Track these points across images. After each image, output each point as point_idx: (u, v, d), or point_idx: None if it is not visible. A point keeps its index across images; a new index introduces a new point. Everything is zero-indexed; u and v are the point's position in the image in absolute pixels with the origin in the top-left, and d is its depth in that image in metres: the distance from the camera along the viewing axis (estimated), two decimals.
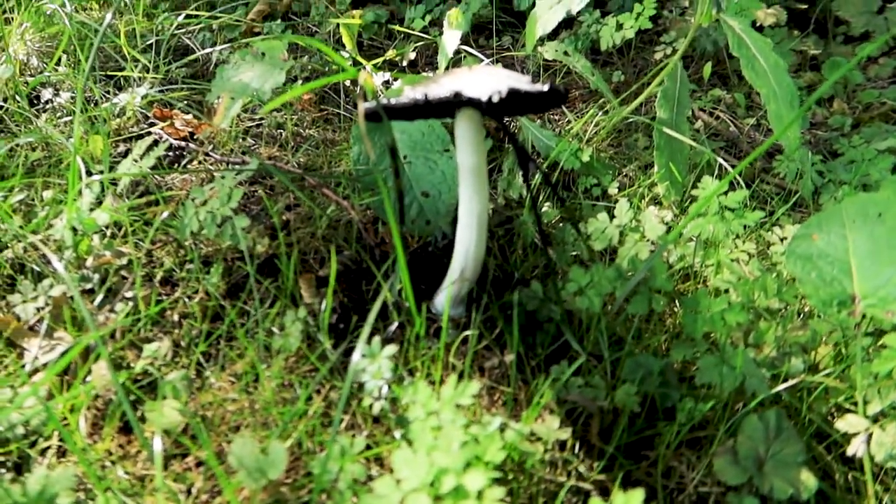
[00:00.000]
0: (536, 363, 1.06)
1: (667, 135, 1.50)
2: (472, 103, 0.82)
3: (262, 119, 1.93)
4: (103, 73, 2.11)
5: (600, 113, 1.90)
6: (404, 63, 2.28)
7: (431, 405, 0.77)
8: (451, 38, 1.97)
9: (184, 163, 1.65)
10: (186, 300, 1.17)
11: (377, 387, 0.91)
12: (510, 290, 1.19)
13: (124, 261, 1.22)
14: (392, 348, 0.90)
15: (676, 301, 1.21)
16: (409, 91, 0.93)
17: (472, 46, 2.31)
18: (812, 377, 0.95)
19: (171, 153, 1.71)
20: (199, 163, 1.64)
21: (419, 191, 1.40)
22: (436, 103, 0.85)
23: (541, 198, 1.56)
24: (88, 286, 1.15)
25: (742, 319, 0.96)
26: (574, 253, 1.24)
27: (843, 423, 0.87)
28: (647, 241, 1.17)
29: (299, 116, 1.96)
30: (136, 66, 2.00)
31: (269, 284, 1.21)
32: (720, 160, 1.46)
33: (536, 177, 1.54)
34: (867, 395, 0.90)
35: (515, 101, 0.86)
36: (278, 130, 1.87)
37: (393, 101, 0.88)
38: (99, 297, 1.15)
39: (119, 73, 2.03)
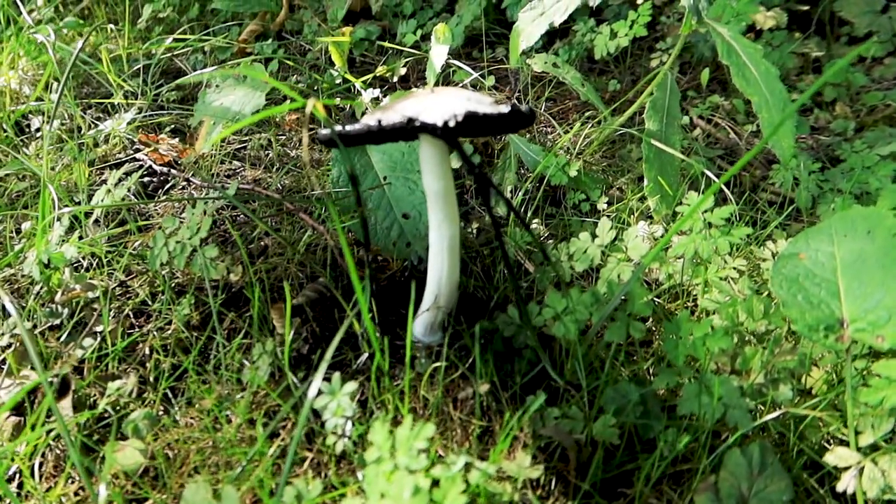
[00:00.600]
0: (512, 393, 1.02)
1: (656, 147, 1.45)
2: (427, 129, 0.79)
3: (248, 140, 1.91)
4: (95, 99, 2.11)
5: (592, 124, 1.85)
6: (395, 79, 2.26)
7: (387, 448, 0.73)
8: (438, 54, 1.94)
9: (166, 188, 1.63)
10: (156, 333, 1.14)
11: (339, 424, 0.87)
12: (488, 316, 1.15)
13: (96, 293, 1.20)
14: (352, 385, 0.87)
15: (663, 323, 1.16)
16: (365, 118, 0.90)
17: (463, 60, 2.28)
18: (801, 406, 0.90)
19: (154, 179, 1.69)
20: (182, 188, 1.62)
21: (399, 212, 1.37)
22: (391, 130, 0.81)
23: (528, 215, 1.52)
24: (56, 321, 1.13)
25: (726, 345, 0.91)
26: (553, 274, 1.19)
27: (833, 457, 0.82)
28: (631, 261, 1.13)
29: (287, 136, 1.94)
30: (123, 92, 2.00)
31: (242, 314, 1.18)
32: (708, 173, 1.40)
33: (519, 195, 1.50)
34: (859, 426, 0.84)
35: (475, 125, 0.83)
36: (265, 152, 1.85)
37: (348, 128, 0.85)
38: (68, 332, 1.13)
39: (106, 101, 2.02)
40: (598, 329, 0.99)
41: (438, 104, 0.86)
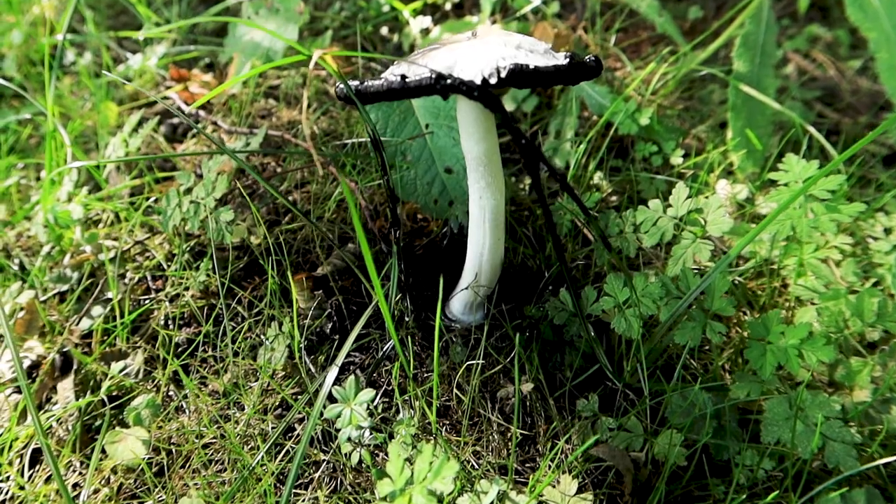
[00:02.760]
0: (561, 393, 0.88)
1: (745, 93, 1.22)
2: (461, 89, 0.62)
3: (286, 75, 1.76)
4: (129, 30, 1.98)
5: (669, 61, 1.61)
6: (448, 6, 2.04)
7: (401, 482, 0.61)
8: None
9: (194, 132, 1.51)
10: (168, 304, 1.04)
11: (355, 434, 0.75)
12: (537, 295, 1.00)
13: (111, 254, 1.10)
14: (368, 394, 0.74)
15: (744, 311, 0.99)
16: (390, 70, 0.73)
17: None
18: None
19: (185, 122, 1.57)
20: (213, 130, 1.50)
21: (442, 166, 1.20)
22: (416, 87, 0.65)
23: (591, 166, 1.33)
24: (65, 287, 1.04)
25: (827, 357, 0.73)
26: (618, 249, 1.02)
27: None
28: (710, 239, 0.94)
29: (326, 72, 1.77)
30: (155, 22, 1.86)
31: (266, 280, 1.07)
32: (812, 130, 1.17)
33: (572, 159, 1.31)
34: None
35: (522, 80, 0.65)
36: (302, 89, 1.70)
37: (367, 83, 0.69)
38: (76, 299, 1.05)
39: (135, 33, 1.89)
40: (668, 325, 0.82)
41: (478, 53, 0.68)
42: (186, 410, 0.90)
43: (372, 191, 1.22)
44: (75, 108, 1.62)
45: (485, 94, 0.63)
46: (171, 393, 0.93)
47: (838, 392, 0.80)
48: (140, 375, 0.93)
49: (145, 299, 1.07)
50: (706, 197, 0.96)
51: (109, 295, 1.06)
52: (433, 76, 0.63)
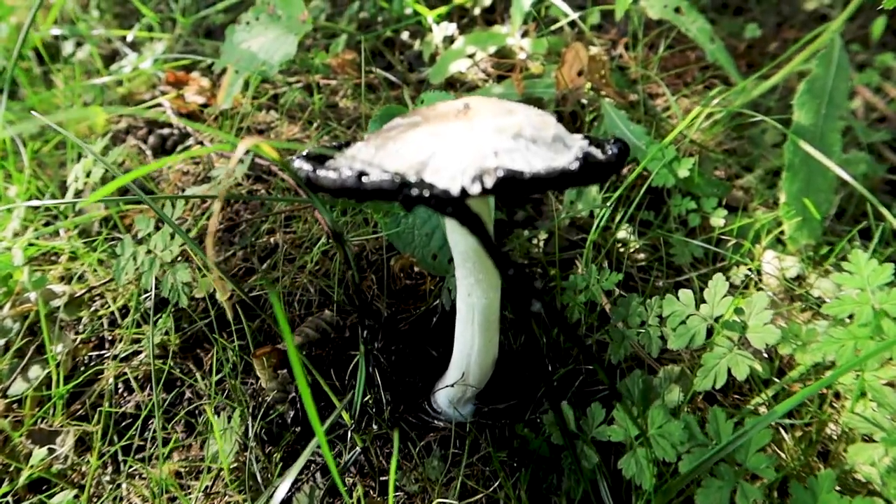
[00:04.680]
0: None
1: (804, 152, 1.04)
2: (430, 202, 0.47)
3: (295, 81, 1.61)
4: (132, 23, 1.85)
5: (718, 88, 1.42)
6: (477, 11, 1.86)
7: None
8: None
9: (182, 147, 1.38)
10: (118, 364, 0.91)
11: None
12: (534, 405, 0.84)
13: (62, 301, 0.98)
14: None
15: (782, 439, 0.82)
16: (352, 151, 0.58)
17: None
18: None
19: (176, 132, 1.44)
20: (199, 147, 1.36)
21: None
22: (374, 192, 0.49)
23: (617, 218, 1.16)
24: (2, 341, 0.92)
25: None
26: (639, 340, 0.86)
27: None
28: (750, 350, 0.77)
29: (338, 81, 1.62)
30: (155, 20, 1.73)
31: (229, 346, 0.93)
32: (886, 213, 0.97)
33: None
34: None
35: (516, 190, 0.50)
36: (311, 98, 1.55)
37: (320, 173, 0.53)
38: (11, 357, 0.92)
39: (124, 32, 1.76)
40: (688, 479, 0.66)
41: (462, 143, 0.52)
42: None
43: (364, 242, 1.07)
44: (77, 102, 1.50)
45: (461, 211, 0.48)
46: (106, 479, 0.81)
47: None
48: (68, 461, 0.81)
49: (96, 356, 0.95)
50: (751, 281, 0.79)
51: (58, 348, 0.93)
52: (395, 182, 0.48)
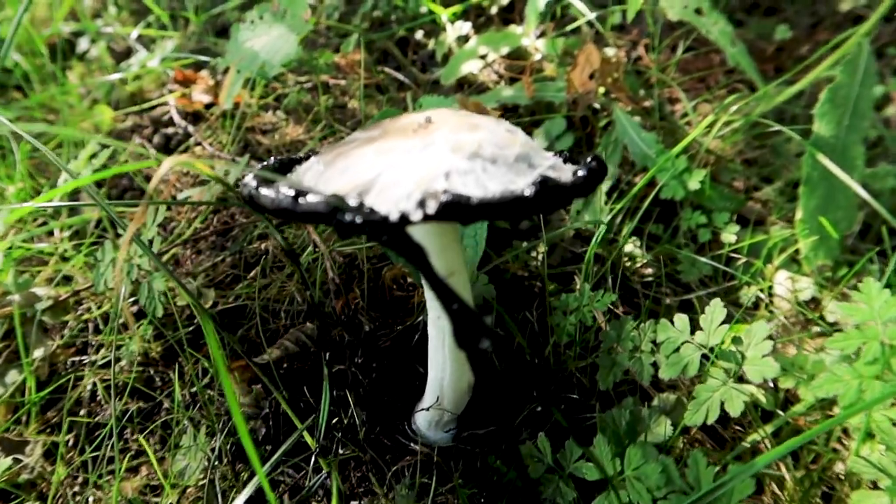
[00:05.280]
0: None
1: (823, 167, 0.97)
2: (364, 230, 0.43)
3: (307, 81, 1.58)
4: (148, 24, 1.85)
5: (740, 93, 1.34)
6: (494, 10, 1.81)
7: None
8: None
9: (180, 149, 1.36)
10: (97, 372, 0.89)
11: None
12: (512, 432, 0.80)
13: (44, 304, 0.97)
14: None
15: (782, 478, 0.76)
16: (301, 171, 0.55)
17: None
18: None
19: (180, 131, 1.43)
20: (200, 149, 1.34)
21: None
22: (309, 215, 0.46)
23: (625, 231, 1.10)
24: None
25: None
26: (633, 364, 0.80)
27: None
28: (747, 385, 0.72)
29: (347, 82, 1.59)
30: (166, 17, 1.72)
31: (202, 359, 0.91)
32: None
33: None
34: None
35: (464, 216, 0.45)
36: (318, 99, 1.52)
37: (262, 192, 0.50)
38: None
39: (128, 30, 1.75)
40: None
41: (412, 164, 0.48)
42: None
43: (356, 252, 1.04)
44: (78, 103, 1.50)
45: (398, 240, 0.44)
46: (71, 492, 0.79)
47: None
48: (35, 472, 0.79)
49: (76, 363, 0.93)
50: (761, 303, 0.73)
51: (37, 353, 0.92)
52: (329, 206, 0.44)
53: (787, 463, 0.78)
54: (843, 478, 0.78)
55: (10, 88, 1.60)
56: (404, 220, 0.44)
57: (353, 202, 0.45)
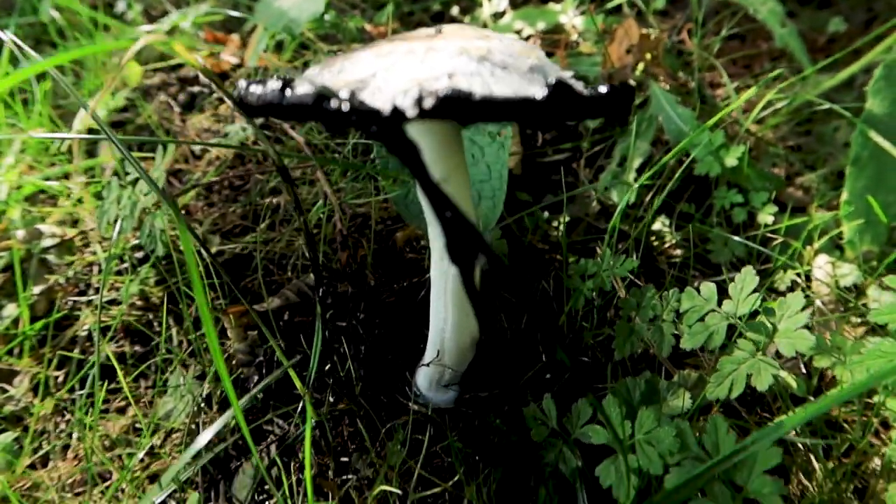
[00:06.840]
0: None
1: (875, 144, 0.90)
2: (351, 119, 0.39)
3: (337, 49, 1.55)
4: None
5: (782, 84, 1.27)
6: None
7: None
8: None
9: (199, 105, 1.34)
10: (95, 312, 0.87)
11: None
12: (520, 390, 0.75)
13: (49, 241, 0.95)
14: None
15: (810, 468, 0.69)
16: (308, 73, 0.51)
17: None
18: None
19: (205, 89, 1.41)
20: (216, 107, 1.32)
21: None
22: (294, 108, 0.42)
23: (652, 206, 1.04)
24: None
25: None
26: (652, 333, 0.74)
27: None
28: (777, 359, 0.65)
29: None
30: None
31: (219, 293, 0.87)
32: None
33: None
34: None
35: (463, 113, 0.41)
36: None
37: (251, 90, 0.46)
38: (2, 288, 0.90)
39: None
40: (675, 497, 0.55)
41: (413, 64, 0.44)
42: (54, 461, 0.72)
43: (364, 206, 1.00)
44: (109, 60, 1.49)
45: (388, 132, 0.39)
46: (57, 424, 0.76)
47: None
48: (21, 404, 0.77)
49: (75, 302, 0.91)
50: (798, 287, 0.67)
51: (36, 289, 0.90)
52: (314, 96, 0.40)
53: (816, 451, 0.71)
54: (878, 473, 0.71)
55: (45, 44, 1.61)
56: (398, 114, 0.39)
57: (345, 96, 0.41)
